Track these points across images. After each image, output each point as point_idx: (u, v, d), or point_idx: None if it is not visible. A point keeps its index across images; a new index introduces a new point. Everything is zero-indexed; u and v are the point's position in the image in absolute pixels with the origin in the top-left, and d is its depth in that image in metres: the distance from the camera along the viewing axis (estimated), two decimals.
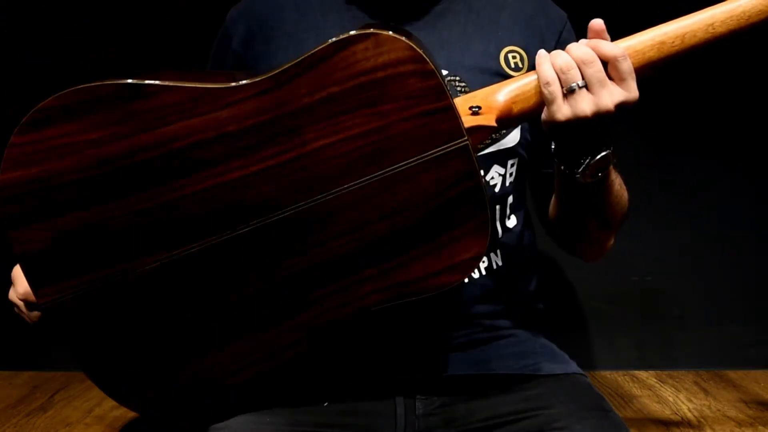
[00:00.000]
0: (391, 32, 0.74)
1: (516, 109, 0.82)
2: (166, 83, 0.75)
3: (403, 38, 0.74)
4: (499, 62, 0.97)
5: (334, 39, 0.74)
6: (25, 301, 0.95)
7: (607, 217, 0.95)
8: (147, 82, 0.75)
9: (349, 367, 0.93)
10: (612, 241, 1.03)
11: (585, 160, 0.83)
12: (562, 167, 0.86)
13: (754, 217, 1.65)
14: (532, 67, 0.97)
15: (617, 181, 0.92)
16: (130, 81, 0.75)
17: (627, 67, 0.78)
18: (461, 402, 0.93)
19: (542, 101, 0.80)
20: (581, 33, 1.04)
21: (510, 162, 0.97)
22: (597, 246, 1.03)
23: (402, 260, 0.78)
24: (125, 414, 1.37)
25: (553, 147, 0.87)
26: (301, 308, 0.80)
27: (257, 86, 0.76)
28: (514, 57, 0.98)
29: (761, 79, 1.57)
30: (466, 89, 0.93)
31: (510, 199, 0.98)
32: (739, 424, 1.30)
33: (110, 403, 1.43)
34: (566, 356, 1.02)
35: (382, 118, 0.75)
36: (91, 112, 0.75)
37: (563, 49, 1.01)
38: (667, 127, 1.61)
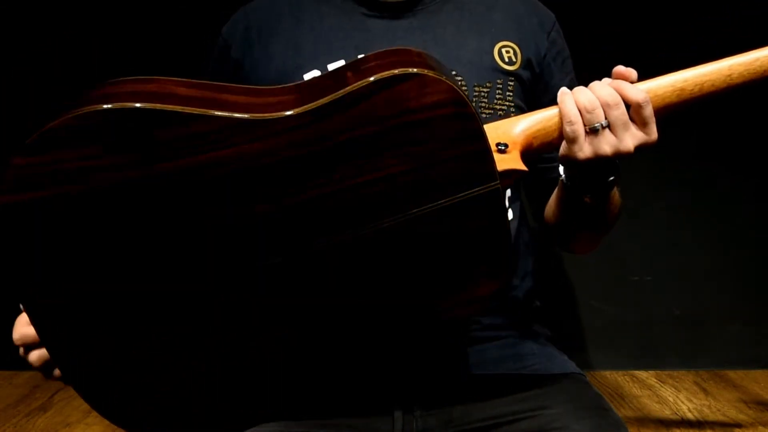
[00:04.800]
0: (433, 73, 0.72)
1: (536, 143, 0.82)
2: (194, 111, 0.70)
3: (447, 80, 0.72)
4: (493, 57, 0.99)
5: (376, 77, 0.71)
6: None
7: (604, 223, 0.96)
8: (171, 109, 0.70)
9: (347, 369, 0.93)
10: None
11: (594, 186, 0.85)
12: (570, 188, 0.87)
13: (754, 218, 1.65)
14: (524, 61, 1.00)
15: (617, 193, 0.93)
16: (150, 108, 0.70)
17: (649, 112, 0.79)
18: (459, 403, 0.92)
19: (562, 137, 0.80)
20: (569, 34, 1.07)
21: None
22: (591, 244, 1.05)
23: (427, 297, 0.79)
24: None
25: (561, 171, 0.88)
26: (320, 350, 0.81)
27: (294, 120, 0.72)
28: (507, 51, 1.00)
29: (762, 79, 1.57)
30: (462, 83, 0.94)
31: (508, 192, 0.99)
32: (739, 424, 1.31)
33: None
34: (565, 356, 1.02)
35: (419, 159, 0.74)
36: (104, 138, 0.70)
37: (553, 47, 1.03)
38: (668, 127, 1.61)
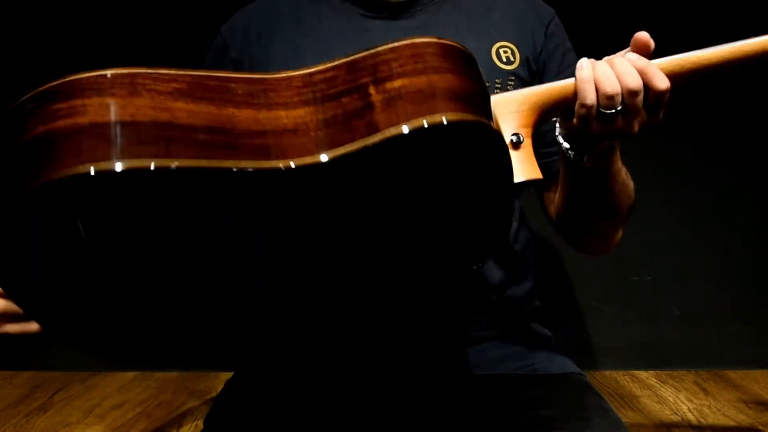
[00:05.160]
0: (470, 116, 0.68)
1: (545, 117, 0.80)
2: (204, 164, 0.64)
3: (483, 119, 0.69)
4: (491, 57, 0.99)
5: (410, 128, 0.67)
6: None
7: (614, 208, 0.94)
8: (174, 166, 0.62)
9: (348, 367, 0.93)
10: (620, 235, 1.01)
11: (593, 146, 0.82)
12: (569, 153, 0.85)
13: (754, 218, 1.65)
14: (523, 60, 0.99)
15: (623, 170, 0.91)
16: (141, 168, 0.61)
17: (666, 98, 0.77)
18: (459, 402, 0.92)
19: (572, 109, 0.78)
20: (570, 34, 1.06)
21: None
22: (604, 239, 1.01)
23: (427, 297, 0.79)
24: (125, 414, 1.38)
25: (558, 130, 0.85)
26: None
27: (326, 168, 0.69)
28: (505, 51, 1.00)
29: (762, 79, 1.58)
30: None
31: None
32: (739, 424, 1.31)
33: (110, 402, 1.44)
34: (564, 356, 1.01)
35: (437, 177, 0.72)
36: (92, 200, 0.64)
37: (551, 41, 1.02)
38: (669, 127, 1.61)
